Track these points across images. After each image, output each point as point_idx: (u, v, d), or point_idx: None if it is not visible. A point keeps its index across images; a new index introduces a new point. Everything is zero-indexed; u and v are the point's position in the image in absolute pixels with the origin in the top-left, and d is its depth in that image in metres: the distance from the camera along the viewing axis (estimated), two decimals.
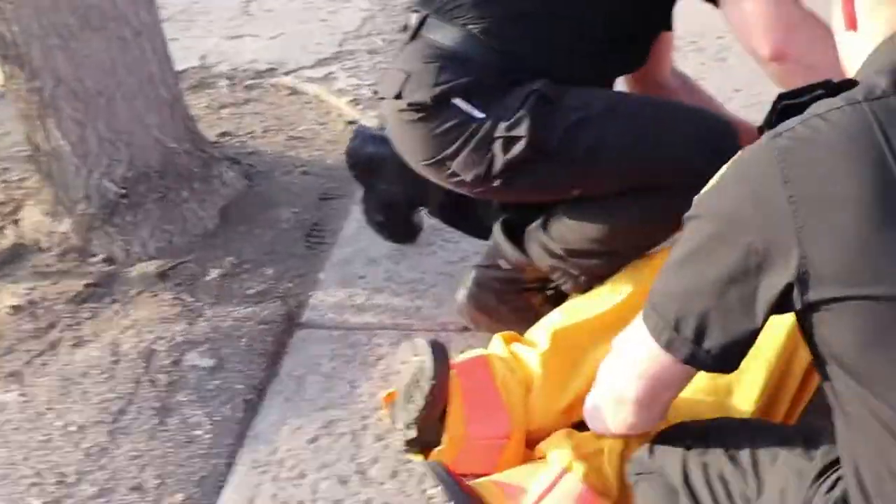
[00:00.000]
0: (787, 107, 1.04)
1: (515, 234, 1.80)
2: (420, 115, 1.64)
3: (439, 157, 1.66)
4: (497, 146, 1.59)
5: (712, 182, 1.13)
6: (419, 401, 1.48)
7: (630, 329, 1.19)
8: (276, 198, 2.40)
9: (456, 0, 1.66)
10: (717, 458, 1.19)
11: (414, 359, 1.50)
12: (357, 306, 1.99)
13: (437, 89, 1.61)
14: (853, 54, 1.07)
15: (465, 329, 1.88)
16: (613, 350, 1.25)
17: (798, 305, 0.98)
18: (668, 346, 1.08)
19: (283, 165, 2.55)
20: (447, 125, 1.62)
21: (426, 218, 2.14)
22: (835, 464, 1.08)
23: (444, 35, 1.65)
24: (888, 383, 0.95)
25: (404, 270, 2.09)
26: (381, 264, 2.11)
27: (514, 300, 1.83)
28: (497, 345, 1.64)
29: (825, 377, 1.04)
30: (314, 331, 1.95)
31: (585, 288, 1.71)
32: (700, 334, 1.06)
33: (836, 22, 1.09)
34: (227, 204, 2.35)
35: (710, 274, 1.04)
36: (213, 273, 2.12)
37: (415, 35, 1.70)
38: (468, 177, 1.65)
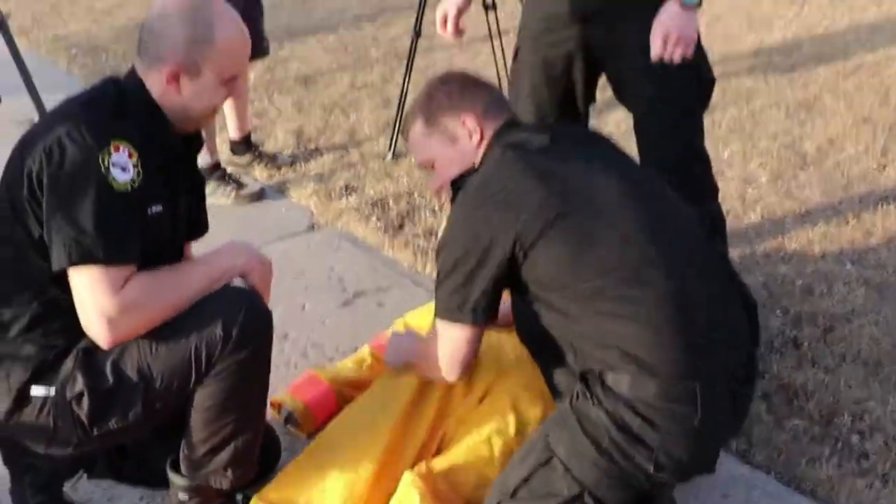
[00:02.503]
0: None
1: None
2: (12, 416, 1.77)
3: (46, 443, 1.78)
4: (74, 407, 1.75)
5: (446, 229, 1.86)
6: None
7: (431, 342, 1.91)
8: None
9: None
10: None
11: None
12: None
13: (15, 390, 1.75)
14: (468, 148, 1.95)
15: None
16: (425, 359, 1.95)
17: (521, 259, 1.74)
18: (458, 320, 1.83)
19: None
20: (35, 413, 1.76)
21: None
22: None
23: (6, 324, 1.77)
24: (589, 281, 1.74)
25: None
26: None
27: None
28: None
29: (543, 306, 1.80)
30: None
31: (245, 476, 1.92)
32: (476, 305, 1.80)
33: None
34: None
35: (475, 274, 1.78)
36: None
37: None
38: (73, 442, 1.78)
